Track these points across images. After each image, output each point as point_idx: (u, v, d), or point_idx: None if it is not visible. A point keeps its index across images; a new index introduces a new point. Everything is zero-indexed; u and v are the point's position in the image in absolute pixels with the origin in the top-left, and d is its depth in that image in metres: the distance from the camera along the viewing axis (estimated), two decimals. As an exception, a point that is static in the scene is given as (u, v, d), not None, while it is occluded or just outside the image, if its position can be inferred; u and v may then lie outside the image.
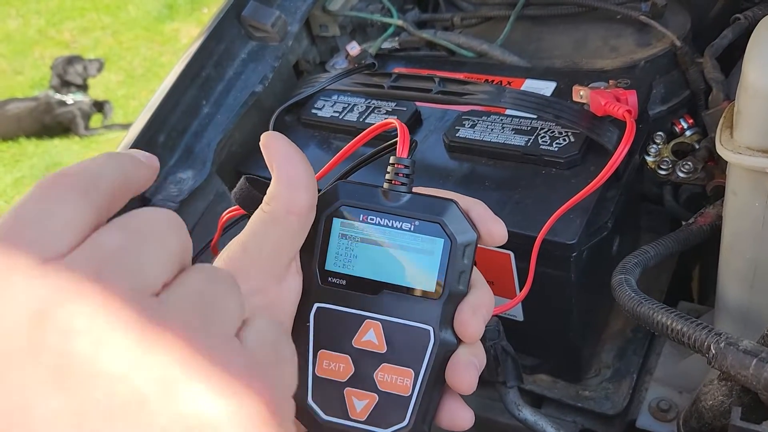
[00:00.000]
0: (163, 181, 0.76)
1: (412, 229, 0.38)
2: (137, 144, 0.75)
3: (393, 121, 0.41)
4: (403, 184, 0.39)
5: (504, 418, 0.78)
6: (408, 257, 0.38)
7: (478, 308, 0.38)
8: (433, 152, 0.75)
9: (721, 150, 0.53)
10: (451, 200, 0.38)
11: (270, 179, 0.37)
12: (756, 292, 0.57)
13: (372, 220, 0.38)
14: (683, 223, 0.97)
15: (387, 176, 0.39)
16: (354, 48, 0.86)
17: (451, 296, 0.38)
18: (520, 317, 0.74)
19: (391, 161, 0.39)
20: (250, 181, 0.41)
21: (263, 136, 0.37)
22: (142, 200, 0.75)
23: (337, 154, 0.47)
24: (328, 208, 0.39)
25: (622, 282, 0.55)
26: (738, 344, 0.41)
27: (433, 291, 0.38)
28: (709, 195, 0.70)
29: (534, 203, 0.66)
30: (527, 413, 0.66)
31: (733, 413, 0.44)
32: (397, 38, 0.95)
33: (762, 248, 0.55)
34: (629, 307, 0.52)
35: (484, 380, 0.77)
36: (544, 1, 0.96)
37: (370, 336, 0.39)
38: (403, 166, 0.39)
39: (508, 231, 0.63)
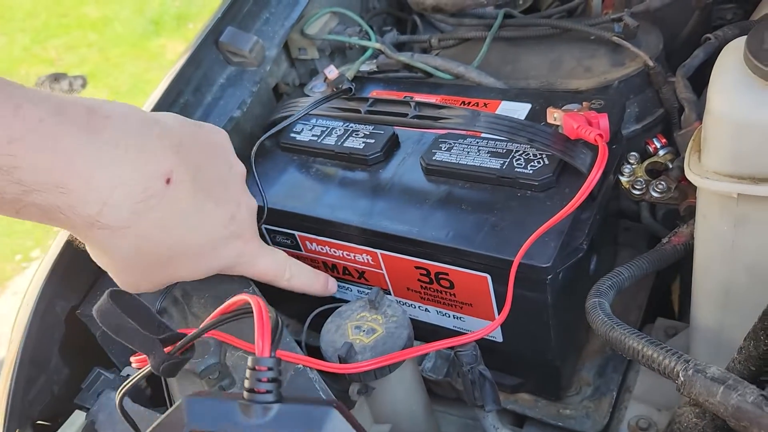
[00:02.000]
0: (142, 209, 0.76)
1: None
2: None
3: (248, 298, 0.33)
4: (268, 392, 0.31)
5: (485, 439, 0.79)
6: None
7: None
8: (411, 176, 0.76)
9: (689, 174, 0.54)
10: (331, 404, 0.31)
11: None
12: (728, 313, 0.57)
13: None
14: (661, 239, 0.99)
15: (246, 384, 0.31)
16: (332, 72, 0.87)
17: None
18: (500, 338, 0.74)
19: (249, 364, 0.31)
20: (113, 297, 0.37)
21: None
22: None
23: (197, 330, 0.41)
24: None
25: (595, 306, 0.56)
26: (706, 371, 0.41)
27: None
28: (683, 215, 0.71)
29: (510, 226, 0.67)
30: (507, 435, 0.66)
31: (703, 439, 0.45)
32: (375, 60, 0.96)
33: (732, 271, 0.55)
34: (602, 332, 0.53)
35: (464, 400, 0.77)
36: (519, 22, 0.97)
37: None
38: (265, 369, 0.31)
39: (484, 255, 0.65)
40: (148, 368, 0.43)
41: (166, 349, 0.42)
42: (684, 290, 0.94)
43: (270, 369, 0.31)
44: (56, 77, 3.48)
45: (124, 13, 4.64)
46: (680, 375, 0.42)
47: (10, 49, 4.41)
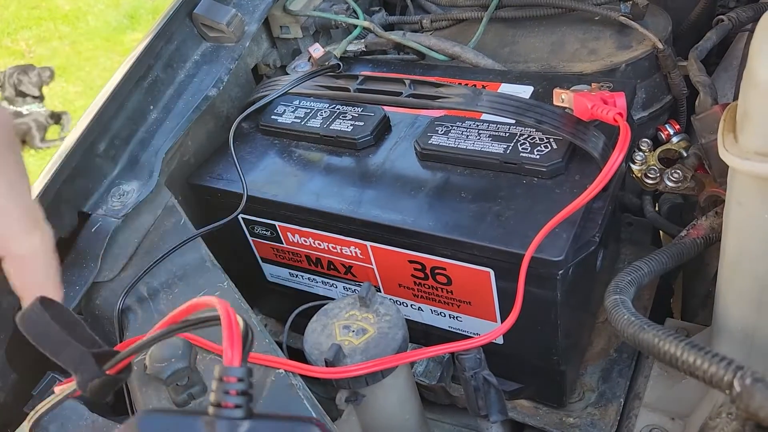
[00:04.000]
0: (105, 194, 0.69)
1: None
2: (74, 153, 0.67)
3: (213, 300, 0.29)
4: (237, 406, 0.27)
5: (484, 451, 0.72)
6: None
7: None
8: (404, 161, 0.69)
9: (725, 156, 0.47)
10: (311, 421, 0.28)
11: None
12: (764, 314, 0.51)
13: None
14: (661, 234, 0.93)
15: (212, 397, 0.27)
16: (317, 50, 0.79)
17: None
18: (500, 340, 0.68)
19: (216, 374, 0.27)
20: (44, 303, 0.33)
21: None
22: (80, 215, 0.67)
23: (156, 326, 0.36)
24: None
25: (618, 303, 0.49)
26: (766, 380, 0.35)
27: None
28: (702, 206, 0.65)
29: (516, 216, 0.60)
30: (511, 448, 0.60)
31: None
32: (363, 40, 0.89)
33: (770, 264, 0.49)
34: (629, 333, 0.46)
35: (459, 406, 0.71)
36: (518, 2, 0.91)
37: None
38: (234, 380, 0.27)
39: (488, 247, 0.57)
40: (71, 388, 0.35)
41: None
42: (689, 288, 0.88)
43: (240, 380, 0.27)
44: (24, 69, 3.36)
45: (98, 7, 4.54)
46: (735, 384, 0.36)
47: (-23, 40, 4.28)
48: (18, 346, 0.63)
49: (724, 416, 0.46)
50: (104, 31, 4.29)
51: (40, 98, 3.39)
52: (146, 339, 0.33)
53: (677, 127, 0.72)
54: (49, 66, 3.49)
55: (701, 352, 0.39)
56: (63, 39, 4.27)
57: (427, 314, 0.70)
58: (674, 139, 0.72)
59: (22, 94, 3.33)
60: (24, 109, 3.29)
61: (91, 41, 4.21)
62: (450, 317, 0.69)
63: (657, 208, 0.87)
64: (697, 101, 0.73)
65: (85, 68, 3.97)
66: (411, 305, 0.71)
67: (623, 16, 0.82)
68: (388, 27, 0.97)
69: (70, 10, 4.56)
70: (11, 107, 3.26)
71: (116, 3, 4.55)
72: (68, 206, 0.66)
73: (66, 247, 0.65)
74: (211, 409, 0.27)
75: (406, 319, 0.69)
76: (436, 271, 0.65)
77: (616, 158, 0.55)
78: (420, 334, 0.73)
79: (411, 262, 0.65)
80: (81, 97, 3.73)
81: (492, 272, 0.61)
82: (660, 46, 0.79)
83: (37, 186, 0.65)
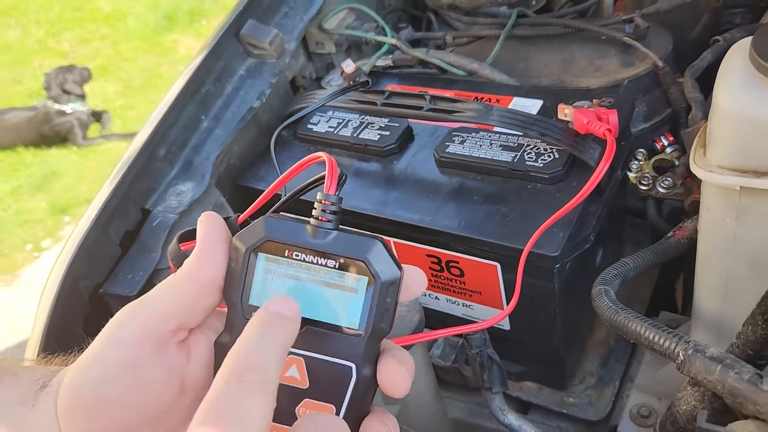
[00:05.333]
0: (164, 193, 0.79)
1: (336, 266, 0.38)
2: (139, 157, 0.77)
3: (322, 155, 0.41)
4: (329, 221, 0.39)
5: (491, 424, 0.81)
6: (332, 294, 0.38)
7: (402, 362, 0.38)
8: (424, 167, 0.79)
9: (694, 168, 0.56)
10: (377, 238, 0.38)
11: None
12: (729, 303, 0.60)
13: (297, 256, 0.38)
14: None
15: (314, 212, 0.39)
16: (349, 65, 0.89)
17: (373, 333, 0.38)
18: (507, 326, 0.77)
19: (318, 197, 0.39)
20: (181, 237, 0.42)
21: (202, 214, 0.40)
22: (143, 211, 0.78)
23: (268, 189, 0.46)
24: (253, 242, 0.39)
25: (601, 293, 0.58)
26: (705, 351, 0.43)
27: (356, 328, 0.38)
28: (687, 210, 0.73)
29: (520, 217, 0.69)
30: (512, 418, 0.69)
31: (699, 416, 0.47)
32: (390, 56, 0.99)
33: (733, 262, 0.58)
34: (607, 317, 0.55)
35: (471, 386, 0.80)
36: (532, 21, 0.99)
37: (293, 371, 0.39)
38: (329, 203, 0.39)
39: (495, 243, 0.65)
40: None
41: None
42: (688, 285, 0.96)
43: (333, 204, 0.39)
44: (67, 69, 3.51)
45: (137, 8, 4.68)
46: (680, 354, 0.44)
47: (24, 41, 4.45)
48: (93, 323, 0.73)
49: (689, 389, 0.55)
50: (143, 32, 4.43)
51: (83, 97, 3.53)
52: (290, 194, 0.44)
53: (671, 138, 0.80)
54: (87, 66, 3.63)
55: (659, 330, 0.48)
56: (104, 40, 4.42)
57: (443, 303, 0.80)
58: (668, 150, 0.80)
59: (67, 93, 3.47)
60: (68, 108, 3.44)
61: (131, 42, 4.35)
62: (463, 305, 0.78)
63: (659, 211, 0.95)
64: (689, 116, 0.81)
65: (125, 68, 4.11)
66: (429, 294, 0.80)
67: (627, 36, 0.89)
68: (414, 42, 1.06)
69: (110, 11, 4.70)
70: (55, 105, 3.42)
71: (155, 4, 4.68)
72: (133, 203, 0.77)
73: (132, 238, 0.76)
74: (312, 221, 0.39)
75: (425, 308, 0.79)
76: (451, 264, 0.74)
77: (602, 168, 0.63)
78: (437, 321, 0.82)
79: (429, 256, 0.74)
80: (121, 96, 3.88)
81: (498, 266, 0.70)
82: (660, 64, 0.87)
83: (107, 186, 0.76)
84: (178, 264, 0.40)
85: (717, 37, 0.87)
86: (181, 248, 0.43)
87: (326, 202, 0.39)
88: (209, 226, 0.40)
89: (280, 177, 0.44)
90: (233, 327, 0.39)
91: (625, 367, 0.83)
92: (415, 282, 0.39)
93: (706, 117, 0.78)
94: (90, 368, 0.38)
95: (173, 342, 0.39)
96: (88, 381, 0.38)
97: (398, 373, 0.38)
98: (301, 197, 0.43)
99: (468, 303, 0.77)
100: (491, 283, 0.72)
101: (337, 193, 0.39)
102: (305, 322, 0.38)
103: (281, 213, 0.42)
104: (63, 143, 3.46)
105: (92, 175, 3.17)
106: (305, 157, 0.41)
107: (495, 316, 0.65)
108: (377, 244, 0.38)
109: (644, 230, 0.98)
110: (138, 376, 0.38)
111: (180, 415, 0.40)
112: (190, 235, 0.42)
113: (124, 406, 0.38)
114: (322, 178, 0.40)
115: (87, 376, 0.38)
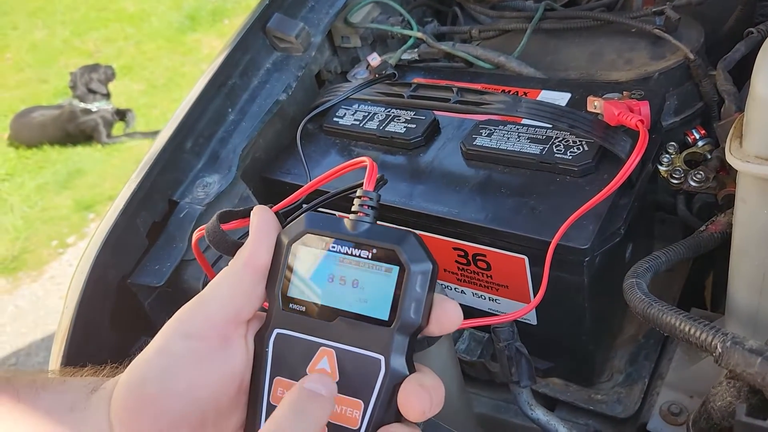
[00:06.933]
0: (191, 185, 0.79)
1: (370, 256, 0.39)
2: (166, 149, 0.78)
3: (365, 159, 0.43)
4: (366, 215, 0.41)
5: (517, 420, 0.80)
6: (365, 285, 0.39)
7: (426, 387, 0.38)
8: (451, 160, 0.78)
9: (730, 159, 0.55)
10: (410, 231, 0.40)
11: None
12: (765, 296, 0.58)
13: (334, 248, 0.40)
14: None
15: (353, 208, 0.41)
16: (375, 59, 0.89)
17: (403, 325, 0.38)
18: (534, 321, 0.76)
19: (357, 194, 0.42)
20: (221, 217, 0.43)
21: (255, 207, 0.42)
22: (170, 203, 0.78)
23: (306, 185, 0.47)
24: (294, 236, 0.40)
25: (633, 285, 0.57)
26: (744, 343, 0.42)
27: (386, 319, 0.38)
28: (720, 203, 0.71)
29: (548, 209, 0.68)
30: (540, 413, 0.68)
31: (738, 410, 0.46)
32: (416, 50, 0.98)
33: (770, 254, 0.56)
34: (639, 309, 0.54)
35: (498, 382, 0.79)
36: (560, 14, 0.98)
37: (324, 364, 0.39)
38: (368, 198, 0.41)
39: (523, 236, 0.64)
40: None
41: None
42: (717, 282, 0.94)
43: (371, 200, 0.41)
44: (92, 68, 3.56)
45: (160, 8, 4.73)
46: (718, 346, 0.43)
47: (50, 41, 4.52)
48: (120, 312, 0.74)
49: (724, 384, 0.53)
50: (166, 32, 4.48)
51: (107, 96, 3.58)
52: (310, 205, 0.47)
53: (703, 132, 0.78)
54: (110, 65, 3.68)
55: (695, 322, 0.47)
56: (128, 39, 4.48)
57: (469, 297, 0.79)
58: (700, 143, 0.78)
59: (92, 92, 3.51)
60: (93, 107, 3.48)
61: (154, 41, 4.40)
62: (489, 299, 0.77)
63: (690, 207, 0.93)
64: (722, 109, 0.80)
65: (149, 68, 4.16)
66: (455, 288, 0.79)
67: (657, 28, 0.88)
68: (440, 36, 1.05)
69: (135, 11, 4.76)
70: (81, 104, 3.46)
71: (178, 5, 4.73)
72: (161, 195, 0.77)
73: (159, 229, 0.76)
74: (351, 216, 0.41)
75: (451, 300, 0.78)
76: (477, 257, 0.73)
77: (634, 160, 0.62)
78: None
79: (455, 249, 0.74)
80: (144, 95, 3.92)
81: (526, 258, 0.69)
82: (691, 56, 0.85)
83: (135, 178, 0.76)
84: (216, 242, 0.42)
85: (751, 29, 0.86)
86: (222, 228, 0.43)
87: (365, 198, 0.41)
88: (263, 216, 0.42)
89: (322, 175, 0.46)
90: (271, 320, 0.40)
91: (655, 364, 0.81)
92: (448, 316, 0.39)
93: (739, 109, 0.77)
94: (154, 360, 0.38)
95: (236, 336, 0.39)
96: (153, 373, 0.38)
97: (417, 396, 0.37)
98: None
99: (494, 297, 0.76)
100: (519, 276, 0.71)
101: (376, 191, 0.42)
102: (337, 312, 0.39)
103: (321, 212, 0.43)
104: (88, 141, 3.51)
105: (116, 173, 3.21)
106: (349, 161, 0.44)
107: (522, 308, 0.64)
108: (410, 236, 0.39)
109: (674, 226, 0.96)
110: (204, 369, 0.38)
111: (234, 422, 0.40)
112: (231, 216, 0.44)
113: (188, 401, 0.38)
114: (359, 185, 0.43)
115: (151, 368, 0.38)
